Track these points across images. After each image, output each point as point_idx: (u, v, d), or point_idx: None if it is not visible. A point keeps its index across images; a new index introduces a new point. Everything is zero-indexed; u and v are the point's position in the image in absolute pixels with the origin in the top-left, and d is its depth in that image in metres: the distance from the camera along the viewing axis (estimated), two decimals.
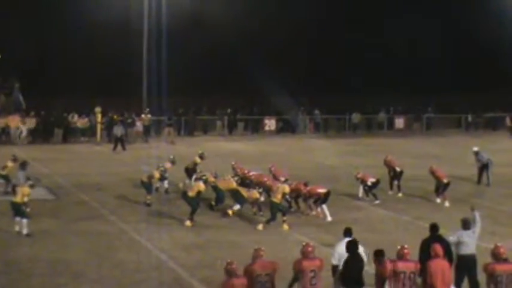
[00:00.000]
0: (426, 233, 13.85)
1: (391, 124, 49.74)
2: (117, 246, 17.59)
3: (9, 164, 24.15)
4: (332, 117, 49.20)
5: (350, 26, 55.62)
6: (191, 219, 19.92)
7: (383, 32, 54.58)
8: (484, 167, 26.82)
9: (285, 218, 19.66)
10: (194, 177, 23.78)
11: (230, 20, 50.38)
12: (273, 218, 19.62)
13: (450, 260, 13.04)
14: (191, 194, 20.35)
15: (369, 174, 23.51)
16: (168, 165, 24.49)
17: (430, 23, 55.05)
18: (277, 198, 19.88)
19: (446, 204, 22.72)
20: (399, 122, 49.89)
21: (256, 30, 53.52)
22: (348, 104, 48.94)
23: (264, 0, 53.89)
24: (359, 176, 23.50)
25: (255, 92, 47.81)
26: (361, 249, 12.73)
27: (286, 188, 20.39)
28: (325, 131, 47.79)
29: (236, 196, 21.07)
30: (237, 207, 20.93)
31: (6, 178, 23.76)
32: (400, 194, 24.12)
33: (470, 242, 13.65)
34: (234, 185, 21.84)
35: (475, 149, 27.37)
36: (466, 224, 13.90)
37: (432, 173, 23.65)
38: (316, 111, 48.51)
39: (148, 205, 22.19)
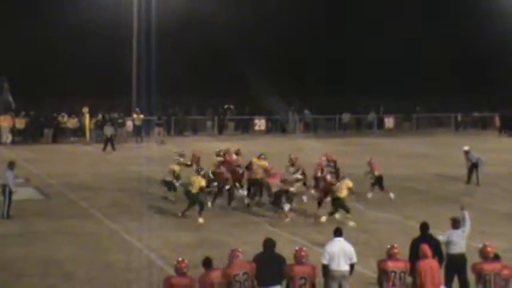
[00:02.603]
0: (416, 233, 13.90)
1: (381, 124, 49.86)
2: (108, 246, 17.57)
3: None
4: (322, 117, 49.26)
5: (342, 25, 55.70)
6: (201, 215, 20.17)
7: (374, 31, 54.72)
8: (473, 167, 26.88)
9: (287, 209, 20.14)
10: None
11: (221, 19, 50.40)
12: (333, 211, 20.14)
13: (440, 260, 13.10)
14: (194, 191, 20.42)
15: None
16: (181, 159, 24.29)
17: (425, 23, 55.29)
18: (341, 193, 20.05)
19: (391, 195, 22.77)
20: (389, 122, 50.03)
21: (247, 30, 53.57)
22: (337, 104, 49.01)
23: (255, 2, 53.91)
24: (371, 160, 23.82)
25: (245, 92, 47.84)
26: (349, 249, 12.73)
27: (350, 184, 20.41)
28: (315, 130, 47.85)
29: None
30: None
31: None
32: (392, 195, 23.76)
33: (459, 242, 13.68)
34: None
35: (466, 148, 27.41)
36: (456, 223, 13.94)
37: (369, 164, 23.72)
38: (306, 111, 48.56)
39: (172, 202, 22.35)
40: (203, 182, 20.77)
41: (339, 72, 54.79)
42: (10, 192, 20.37)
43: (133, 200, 22.47)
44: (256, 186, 22.53)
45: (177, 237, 18.59)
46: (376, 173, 23.86)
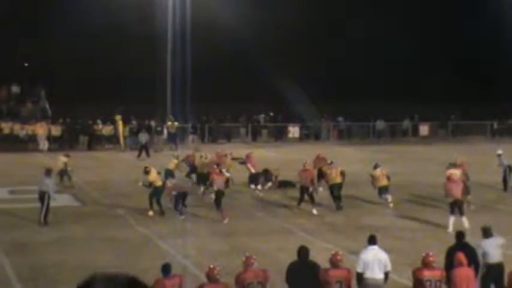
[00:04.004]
0: (452, 241, 13.76)
1: (415, 131, 49.49)
2: (142, 253, 17.66)
3: (63, 159, 26.98)
4: (356, 124, 49.07)
5: (371, 32, 55.41)
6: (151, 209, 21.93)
7: (406, 35, 54.35)
8: (506, 172, 26.57)
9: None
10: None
11: (255, 28, 50.49)
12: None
13: (476, 268, 12.93)
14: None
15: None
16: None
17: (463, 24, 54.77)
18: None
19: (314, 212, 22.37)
20: (424, 129, 49.63)
21: (280, 38, 53.60)
22: (371, 111, 48.76)
23: (287, 8, 53.86)
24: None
25: (279, 99, 47.88)
26: (384, 257, 12.64)
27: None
28: (349, 138, 47.66)
29: None
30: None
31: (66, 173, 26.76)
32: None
33: (494, 251, 13.48)
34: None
35: (499, 151, 27.16)
36: (487, 233, 13.76)
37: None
38: (340, 118, 48.43)
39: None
40: (152, 177, 22.13)
41: (375, 78, 54.47)
42: (49, 199, 20.62)
43: (167, 206, 22.52)
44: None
45: (211, 243, 18.62)
46: (253, 170, 25.88)
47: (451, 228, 18.96)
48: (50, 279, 15.55)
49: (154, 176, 22.30)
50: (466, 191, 22.23)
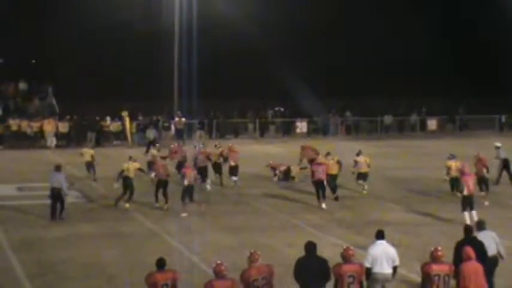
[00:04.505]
0: (460, 235, 13.71)
1: (423, 126, 49.39)
2: (150, 249, 17.64)
3: (90, 151, 28.24)
4: (364, 119, 48.99)
5: (370, 32, 55.35)
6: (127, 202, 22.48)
7: (411, 32, 54.24)
8: (504, 166, 26.54)
9: None
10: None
11: (261, 23, 50.47)
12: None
13: (484, 262, 12.88)
14: (132, 175, 22.59)
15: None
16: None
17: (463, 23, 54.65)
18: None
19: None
20: (432, 124, 49.55)
21: (287, 33, 53.56)
22: (379, 106, 48.69)
23: (288, 7, 53.87)
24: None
25: (286, 95, 47.87)
26: (392, 251, 12.59)
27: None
28: (356, 133, 47.57)
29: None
30: None
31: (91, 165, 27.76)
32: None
33: (489, 244, 13.43)
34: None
35: (498, 144, 27.18)
36: (481, 226, 13.74)
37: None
38: (348, 113, 48.34)
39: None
40: (125, 165, 22.55)
41: (375, 78, 54.44)
42: (65, 196, 20.69)
43: (174, 202, 22.53)
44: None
45: (219, 239, 18.61)
46: (233, 163, 26.26)
47: (468, 222, 18.47)
48: (58, 276, 15.57)
49: (128, 166, 22.60)
50: (485, 184, 23.18)
